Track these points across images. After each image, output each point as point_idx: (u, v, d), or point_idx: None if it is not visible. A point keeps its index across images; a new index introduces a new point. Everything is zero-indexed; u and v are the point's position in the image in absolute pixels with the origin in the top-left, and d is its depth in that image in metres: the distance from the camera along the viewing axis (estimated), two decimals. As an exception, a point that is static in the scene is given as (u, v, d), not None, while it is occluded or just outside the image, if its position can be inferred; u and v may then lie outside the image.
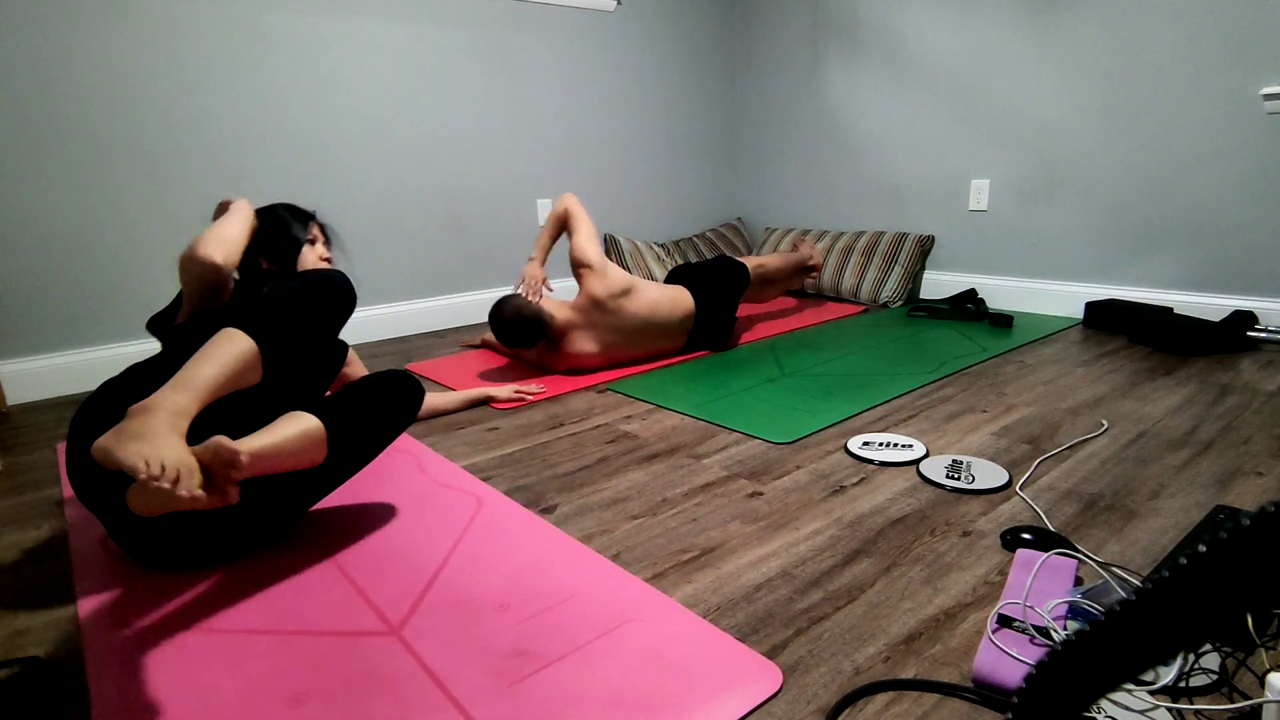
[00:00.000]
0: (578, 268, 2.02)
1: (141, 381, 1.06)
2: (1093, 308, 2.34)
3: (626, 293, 2.02)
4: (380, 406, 1.12)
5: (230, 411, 1.03)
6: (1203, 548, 0.47)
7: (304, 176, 2.38)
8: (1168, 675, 0.76)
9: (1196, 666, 0.77)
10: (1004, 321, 2.42)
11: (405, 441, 1.58)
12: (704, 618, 0.92)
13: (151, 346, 2.18)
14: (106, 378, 2.12)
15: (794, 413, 1.66)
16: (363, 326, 2.59)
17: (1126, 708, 0.72)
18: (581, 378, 2.01)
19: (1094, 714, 0.71)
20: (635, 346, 2.10)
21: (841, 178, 3.12)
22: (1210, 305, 2.20)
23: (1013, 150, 2.56)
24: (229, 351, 0.97)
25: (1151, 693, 0.74)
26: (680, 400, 1.79)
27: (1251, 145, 2.05)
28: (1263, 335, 2.02)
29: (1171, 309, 2.23)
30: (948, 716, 0.75)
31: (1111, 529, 1.10)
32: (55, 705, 0.82)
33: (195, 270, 1.11)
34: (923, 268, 2.91)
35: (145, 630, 0.94)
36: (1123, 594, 0.88)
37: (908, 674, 0.81)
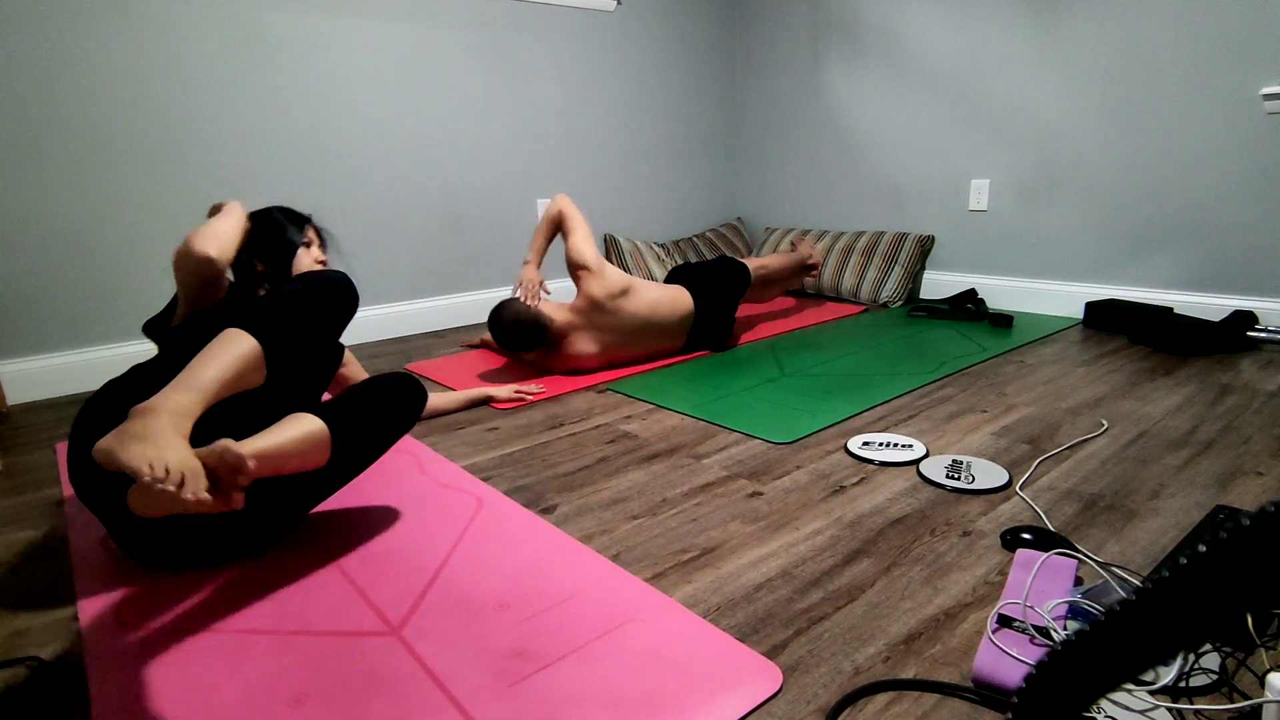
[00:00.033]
0: (575, 269, 2.01)
1: (144, 382, 1.06)
2: (1093, 308, 2.34)
3: (625, 293, 2.02)
4: (383, 409, 1.11)
5: (229, 412, 1.03)
6: (1203, 548, 0.47)
7: (304, 176, 2.38)
8: (1168, 675, 0.76)
9: (1196, 666, 0.77)
10: (1004, 321, 2.42)
11: (405, 441, 1.58)
12: (704, 618, 0.92)
13: (152, 347, 2.18)
14: (106, 377, 2.13)
15: (794, 413, 1.67)
16: (363, 326, 2.59)
17: (1126, 708, 0.72)
18: (581, 378, 2.01)
19: (1094, 714, 0.71)
20: (635, 347, 2.10)
21: (841, 178, 3.12)
22: (1210, 305, 2.20)
23: (1013, 150, 2.56)
24: (232, 352, 0.96)
25: (1151, 693, 0.74)
26: (680, 400, 1.79)
27: (1251, 145, 2.05)
28: (1263, 335, 2.02)
29: (1171, 309, 2.23)
30: (948, 716, 0.75)
31: (1111, 529, 1.10)
32: (55, 705, 0.82)
33: (190, 266, 1.10)
34: (923, 268, 2.91)
35: (145, 630, 0.94)
36: (1123, 594, 0.88)
37: (908, 674, 0.81)
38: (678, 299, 2.13)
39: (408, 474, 1.40)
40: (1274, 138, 2.01)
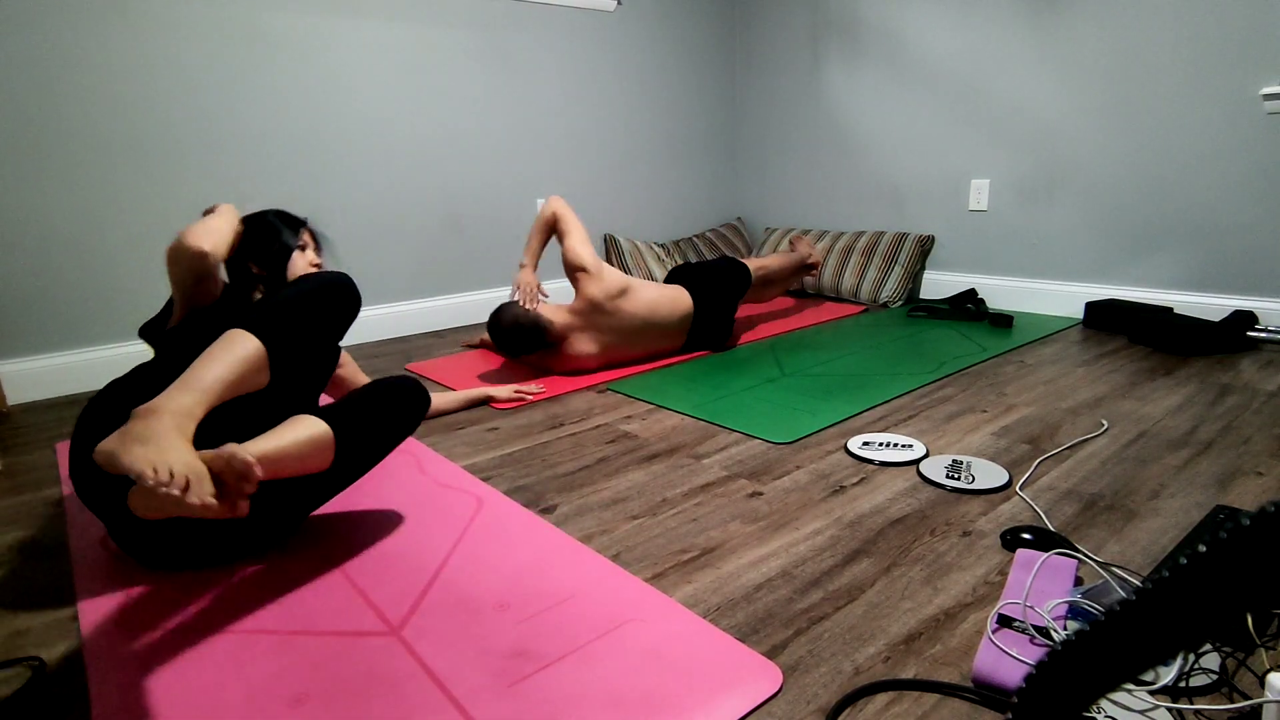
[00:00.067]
0: (573, 272, 2.01)
1: (147, 383, 1.06)
2: (1093, 308, 2.34)
3: (624, 293, 2.02)
4: (386, 413, 1.11)
5: (228, 414, 1.03)
6: (1203, 548, 0.47)
7: (304, 176, 2.38)
8: (1168, 675, 0.76)
9: (1196, 666, 0.77)
10: (1004, 321, 2.42)
11: (405, 441, 1.57)
12: (704, 618, 0.92)
13: (150, 350, 2.18)
14: (106, 377, 2.13)
15: (794, 413, 1.66)
16: (363, 326, 2.59)
17: (1126, 708, 0.72)
18: (581, 378, 2.01)
19: (1094, 714, 0.71)
20: (635, 347, 2.10)
21: (841, 178, 3.12)
22: (1210, 305, 2.20)
23: (1013, 150, 2.56)
24: (236, 353, 0.95)
25: (1151, 693, 0.74)
26: (680, 400, 1.79)
27: (1251, 145, 2.05)
28: (1263, 335, 2.02)
29: (1171, 309, 2.23)
30: (948, 716, 0.75)
31: (1111, 529, 1.10)
32: (55, 705, 0.82)
33: (183, 260, 1.09)
34: (923, 268, 2.91)
35: (145, 630, 0.94)
36: (1123, 594, 0.88)
37: (908, 674, 0.81)
38: (676, 299, 2.13)
39: (408, 474, 1.40)
40: (1274, 138, 2.01)
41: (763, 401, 1.75)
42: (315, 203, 2.41)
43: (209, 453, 0.87)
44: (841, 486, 1.29)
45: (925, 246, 2.84)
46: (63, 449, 1.63)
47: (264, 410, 1.06)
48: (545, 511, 1.24)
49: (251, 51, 2.22)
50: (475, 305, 2.85)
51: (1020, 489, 1.25)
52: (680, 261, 3.22)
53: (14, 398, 2.01)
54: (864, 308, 2.81)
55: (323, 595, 1.00)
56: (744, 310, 2.83)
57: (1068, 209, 2.46)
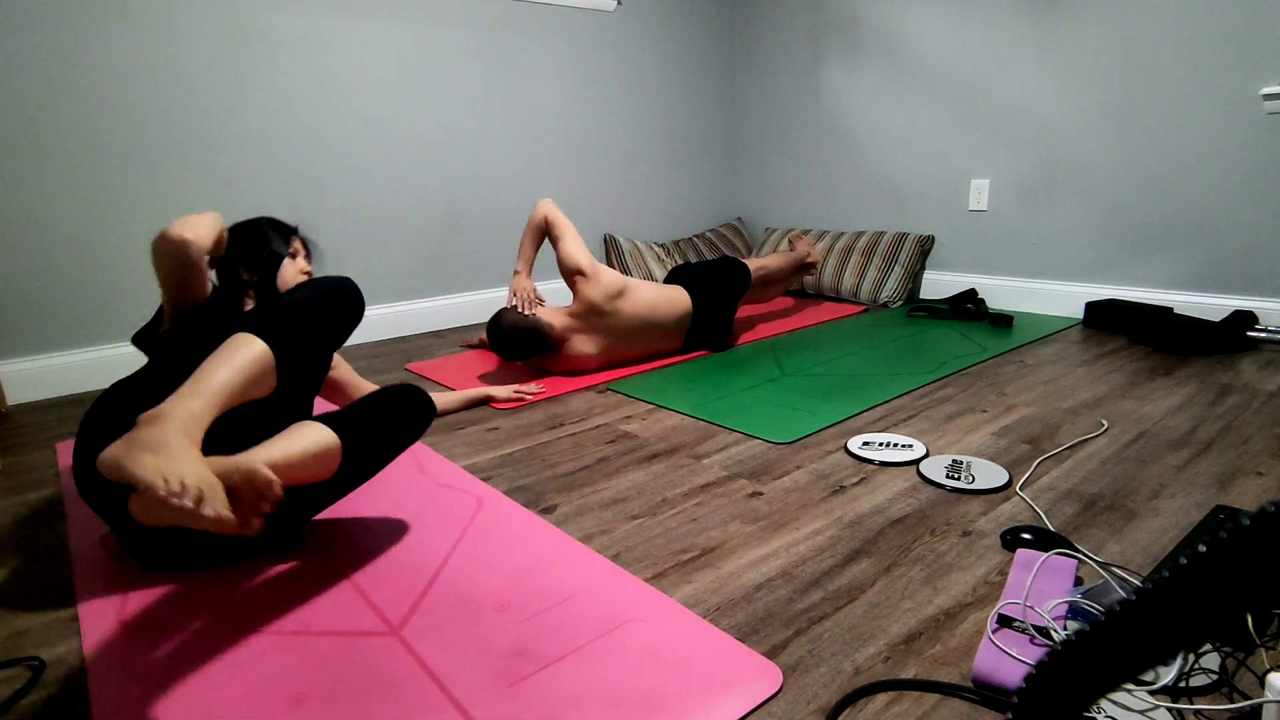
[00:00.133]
0: (570, 275, 2.01)
1: (151, 386, 1.05)
2: (1093, 308, 2.34)
3: (622, 294, 2.02)
4: (392, 422, 1.09)
5: (226, 419, 1.02)
6: (1203, 548, 0.47)
7: (304, 176, 2.38)
8: (1168, 675, 0.76)
9: (1196, 666, 0.77)
10: (1004, 321, 2.42)
11: (405, 441, 1.57)
12: (704, 618, 0.92)
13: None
14: (106, 377, 2.13)
15: (794, 413, 1.67)
16: (363, 326, 2.59)
17: (1126, 708, 0.72)
18: (581, 378, 2.01)
19: (1094, 714, 0.71)
20: (634, 347, 2.10)
21: (841, 178, 3.12)
22: (1210, 305, 2.20)
23: (1013, 150, 2.56)
24: (243, 356, 0.93)
25: (1151, 693, 0.74)
26: (680, 400, 1.79)
27: (1251, 145, 2.05)
28: (1263, 335, 2.02)
29: (1171, 309, 2.23)
30: (948, 716, 0.75)
31: (1111, 529, 1.10)
32: (55, 705, 0.82)
33: (167, 251, 1.08)
34: (923, 268, 2.91)
35: (145, 630, 0.94)
36: (1123, 594, 0.88)
37: (908, 674, 0.81)
38: (675, 299, 2.14)
39: (408, 474, 1.40)
40: (1274, 138, 2.01)
41: (763, 401, 1.75)
42: (315, 203, 2.42)
43: (219, 462, 0.84)
44: (841, 486, 1.29)
45: (925, 246, 2.84)
46: (63, 449, 1.63)
47: (261, 414, 1.05)
48: (545, 511, 1.24)
49: (251, 51, 2.22)
50: (475, 305, 2.85)
51: (1020, 489, 1.25)
52: (680, 261, 3.22)
53: (14, 398, 2.01)
54: (864, 308, 2.81)
55: (323, 595, 1.00)
56: (744, 310, 2.83)
57: (1068, 209, 2.46)
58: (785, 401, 1.74)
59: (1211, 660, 0.78)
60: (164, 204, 2.14)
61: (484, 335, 2.49)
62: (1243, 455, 1.33)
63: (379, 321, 2.63)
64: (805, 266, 2.70)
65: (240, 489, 0.84)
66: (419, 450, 1.52)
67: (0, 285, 1.95)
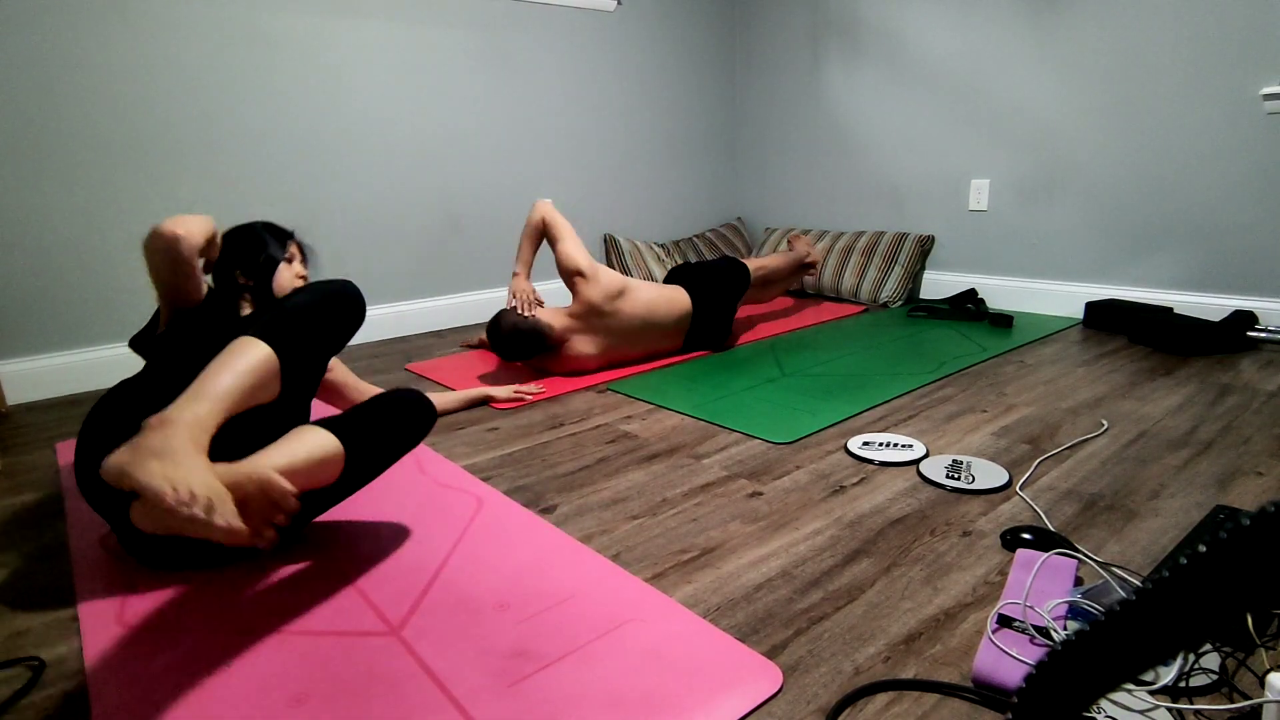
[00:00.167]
0: (569, 276, 2.01)
1: (155, 388, 1.04)
2: (1093, 308, 2.34)
3: (621, 294, 2.02)
4: (394, 428, 1.08)
5: (225, 423, 1.01)
6: (1203, 548, 0.47)
7: (304, 176, 2.38)
8: (1168, 675, 0.76)
9: (1196, 666, 0.77)
10: (1004, 321, 2.42)
11: (405, 441, 1.57)
12: (704, 618, 0.92)
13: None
14: (106, 377, 2.13)
15: (794, 413, 1.67)
16: (363, 326, 2.59)
17: (1126, 708, 0.72)
18: (581, 378, 2.01)
19: (1094, 714, 0.71)
20: (634, 347, 2.10)
21: (841, 178, 3.12)
22: (1210, 305, 2.20)
23: (1013, 150, 2.56)
24: (248, 360, 0.91)
25: (1151, 693, 0.74)
26: (680, 400, 1.79)
27: (1251, 145, 2.05)
28: (1263, 335, 2.02)
29: (1171, 309, 2.23)
30: (948, 716, 0.75)
31: (1111, 529, 1.10)
32: (55, 705, 0.82)
33: (159, 246, 1.07)
34: (923, 268, 2.91)
35: (145, 630, 0.94)
36: (1123, 594, 0.88)
37: (908, 674, 0.81)
38: (674, 299, 2.14)
39: (408, 474, 1.40)
40: (1274, 138, 2.01)
41: (763, 401, 1.75)
42: (315, 203, 2.42)
43: (229, 470, 0.81)
44: (841, 486, 1.29)
45: (925, 246, 2.84)
46: (63, 449, 1.63)
47: (259, 418, 1.03)
48: (545, 511, 1.24)
49: (251, 51, 2.22)
50: (475, 305, 2.85)
51: (1020, 489, 1.25)
52: (680, 261, 3.22)
53: (14, 398, 2.01)
54: (864, 308, 2.81)
55: (323, 595, 1.00)
56: (744, 310, 2.83)
57: (1068, 209, 2.46)
58: (785, 401, 1.74)
59: (1211, 660, 0.78)
60: (164, 204, 2.14)
61: (484, 335, 2.49)
62: (1243, 455, 1.33)
63: (379, 321, 2.63)
64: (805, 266, 2.70)
65: (253, 499, 0.82)
66: (419, 450, 1.52)
67: (0, 285, 1.95)
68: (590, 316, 2.00)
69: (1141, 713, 0.71)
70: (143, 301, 2.15)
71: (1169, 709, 0.72)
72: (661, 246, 3.23)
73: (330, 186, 2.44)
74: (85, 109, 1.99)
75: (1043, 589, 0.91)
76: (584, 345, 2.02)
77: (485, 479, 1.38)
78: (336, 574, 1.06)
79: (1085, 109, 2.35)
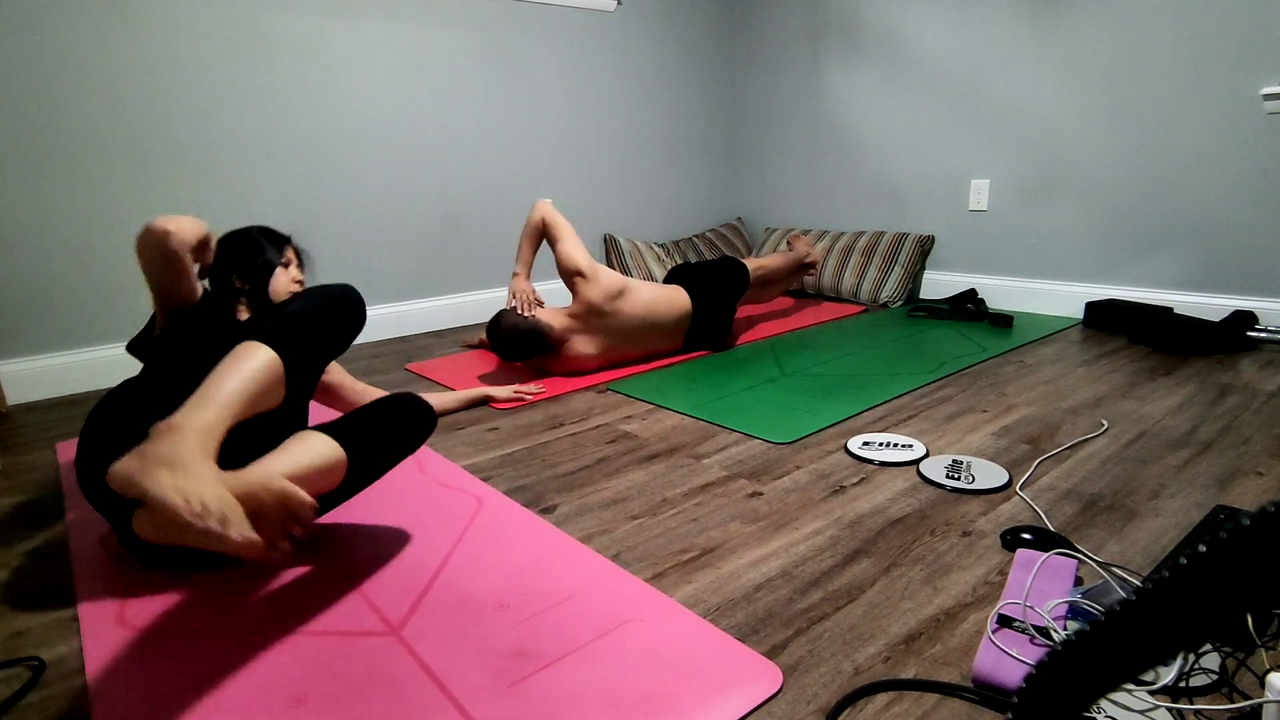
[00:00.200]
0: (569, 276, 2.01)
1: (158, 391, 1.04)
2: (1093, 308, 2.34)
3: (621, 294, 2.02)
4: (394, 433, 1.08)
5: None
6: (1203, 548, 0.47)
7: (304, 176, 2.38)
8: (1168, 675, 0.76)
9: (1196, 666, 0.77)
10: (1004, 321, 2.42)
11: (405, 441, 1.57)
12: (704, 618, 0.92)
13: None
14: (106, 378, 2.13)
15: (794, 413, 1.66)
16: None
17: (1126, 708, 0.72)
18: (581, 378, 2.01)
19: (1094, 714, 0.71)
20: (634, 347, 2.10)
21: (841, 178, 3.12)
22: (1210, 305, 2.20)
23: (1013, 150, 2.56)
24: (254, 365, 0.89)
25: (1151, 693, 0.74)
26: (680, 400, 1.79)
27: (1251, 145, 2.05)
28: (1263, 335, 2.02)
29: (1171, 309, 2.23)
30: (948, 716, 0.75)
31: (1111, 529, 1.10)
32: (55, 705, 0.82)
33: (150, 244, 1.07)
34: (923, 268, 2.91)
35: (145, 630, 0.94)
36: (1123, 594, 0.88)
37: (908, 674, 0.81)
38: (674, 299, 2.14)
39: (408, 474, 1.40)
40: (1274, 138, 2.01)
41: (763, 401, 1.75)
42: (315, 203, 2.42)
43: (240, 480, 0.80)
44: (841, 486, 1.29)
45: (925, 246, 2.84)
46: (63, 449, 1.63)
47: (258, 422, 1.03)
48: (545, 511, 1.24)
49: (251, 51, 2.22)
50: (475, 305, 2.85)
51: (1020, 489, 1.25)
52: (680, 261, 3.22)
53: (14, 398, 2.01)
54: (864, 308, 2.81)
55: (323, 595, 1.00)
56: (744, 310, 2.83)
57: (1068, 209, 2.46)
58: (785, 401, 1.74)
59: (1211, 660, 0.78)
60: (164, 204, 2.14)
61: (484, 335, 2.49)
62: (1243, 455, 1.33)
63: (379, 321, 2.63)
64: (804, 267, 2.70)
65: (269, 510, 0.80)
66: (419, 451, 1.52)
67: (0, 285, 1.95)
68: (590, 317, 2.00)
69: (1141, 713, 0.71)
70: (142, 302, 2.15)
71: (1169, 709, 0.72)
72: (661, 246, 3.23)
73: (330, 187, 2.44)
74: (85, 109, 1.99)
75: (1043, 589, 0.91)
76: (584, 345, 2.02)
77: (485, 479, 1.38)
78: (336, 574, 1.06)
79: (1085, 109, 2.35)
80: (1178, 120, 2.17)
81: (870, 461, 1.38)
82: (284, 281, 1.31)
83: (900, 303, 2.84)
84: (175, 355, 1.10)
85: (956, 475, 1.29)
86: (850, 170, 3.08)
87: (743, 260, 2.39)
